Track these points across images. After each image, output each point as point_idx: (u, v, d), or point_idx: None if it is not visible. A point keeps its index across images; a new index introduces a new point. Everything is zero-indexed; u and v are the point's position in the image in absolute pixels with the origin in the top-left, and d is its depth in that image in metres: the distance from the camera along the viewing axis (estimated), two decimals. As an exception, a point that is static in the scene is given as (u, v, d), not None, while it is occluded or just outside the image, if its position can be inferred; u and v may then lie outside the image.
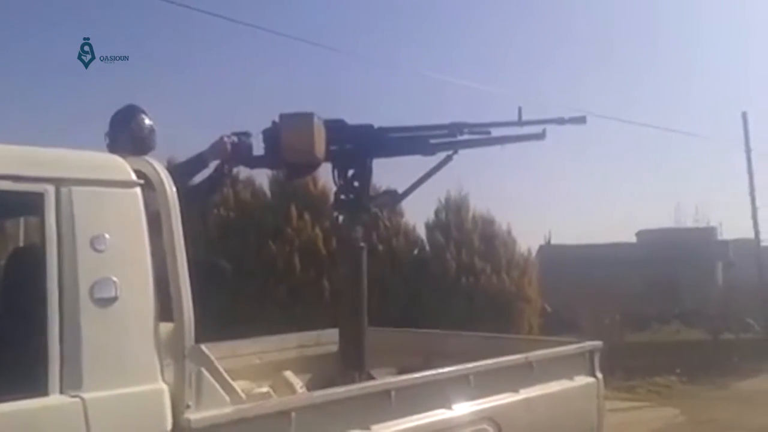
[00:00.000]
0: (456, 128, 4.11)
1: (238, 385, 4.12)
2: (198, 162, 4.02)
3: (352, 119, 4.15)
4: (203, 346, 2.57)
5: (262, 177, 10.88)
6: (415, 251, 11.18)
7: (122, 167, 2.53)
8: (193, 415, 2.46)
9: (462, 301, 10.36)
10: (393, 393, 3.09)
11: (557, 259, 19.98)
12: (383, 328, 5.35)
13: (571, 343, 4.27)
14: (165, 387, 2.44)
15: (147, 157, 2.71)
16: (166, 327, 2.54)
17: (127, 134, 4.08)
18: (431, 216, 11.38)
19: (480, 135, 4.15)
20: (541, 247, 21.55)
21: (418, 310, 10.09)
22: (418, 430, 3.16)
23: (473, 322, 9.02)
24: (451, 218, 11.27)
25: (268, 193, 11.05)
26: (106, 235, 2.38)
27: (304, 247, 10.35)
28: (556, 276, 19.17)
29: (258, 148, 4.07)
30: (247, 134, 4.04)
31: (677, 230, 22.02)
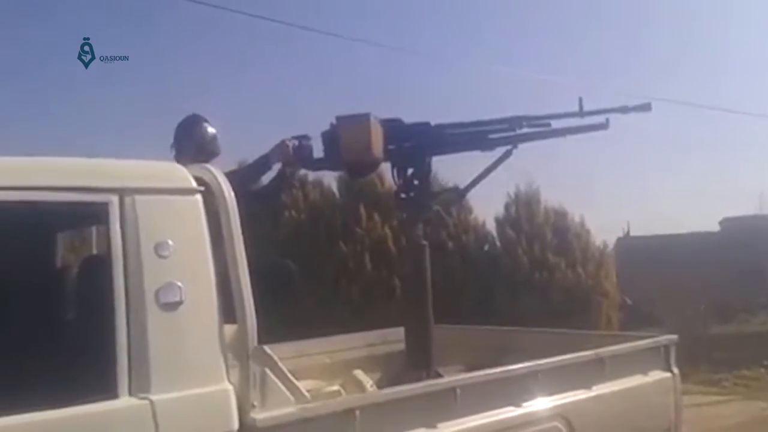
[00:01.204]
0: (515, 122, 4.04)
1: (308, 384, 4.22)
2: (262, 165, 4.09)
3: (416, 117, 4.16)
4: (266, 347, 2.61)
5: (330, 178, 11.02)
6: (486, 247, 11.10)
7: (183, 175, 2.60)
8: (259, 415, 2.51)
9: (536, 296, 10.22)
10: (458, 391, 3.08)
11: (637, 251, 19.47)
12: (452, 326, 5.33)
13: (645, 337, 4.14)
14: (230, 387, 2.49)
15: (206, 165, 2.77)
16: (230, 329, 2.60)
17: (191, 142, 4.20)
18: (501, 211, 11.28)
19: (540, 128, 4.07)
20: (619, 239, 21.04)
21: (490, 307, 10.01)
22: (486, 428, 3.13)
23: (548, 318, 8.89)
24: (522, 212, 11.13)
25: (337, 193, 11.17)
26: (170, 242, 2.45)
27: (374, 246, 10.42)
28: (636, 268, 18.70)
29: (318, 151, 4.12)
30: (306, 137, 4.09)
31: (763, 217, 21.06)
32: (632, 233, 22.35)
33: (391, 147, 4.04)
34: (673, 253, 18.15)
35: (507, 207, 11.26)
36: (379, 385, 4.18)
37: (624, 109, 4.05)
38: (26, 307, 2.23)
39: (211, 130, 4.26)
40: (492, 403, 3.19)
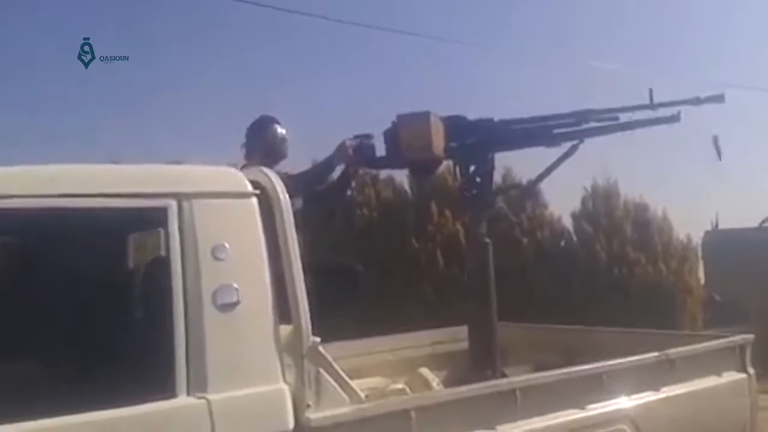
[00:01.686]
0: (581, 116, 3.96)
1: (372, 382, 4.26)
2: (325, 166, 4.14)
3: (484, 113, 4.12)
4: (321, 347, 2.65)
5: (402, 176, 11.02)
6: (562, 243, 10.87)
7: (238, 179, 2.66)
8: (314, 415, 2.54)
9: (615, 293, 9.93)
10: (518, 392, 3.04)
11: (727, 245, 18.66)
12: (522, 324, 5.27)
13: (719, 337, 3.98)
14: (286, 387, 2.54)
15: (263, 168, 2.83)
16: (285, 329, 2.65)
17: (260, 144, 4.29)
18: (577, 206, 11.02)
19: (607, 122, 3.96)
20: (707, 233, 20.20)
21: (566, 305, 9.79)
22: (549, 430, 3.08)
23: (628, 316, 8.63)
24: (600, 207, 10.83)
25: (409, 191, 11.17)
26: (226, 245, 2.52)
27: (446, 243, 10.36)
28: (725, 263, 17.94)
29: (381, 149, 4.14)
30: (368, 136, 4.11)
31: None
32: (722, 226, 21.41)
33: (453, 144, 4.02)
34: (765, 247, 17.33)
35: (584, 201, 10.98)
36: (446, 383, 4.18)
37: (696, 101, 3.90)
38: (91, 308, 2.33)
39: (281, 131, 4.34)
40: (553, 406, 3.13)
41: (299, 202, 4.36)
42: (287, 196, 2.72)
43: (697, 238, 13.75)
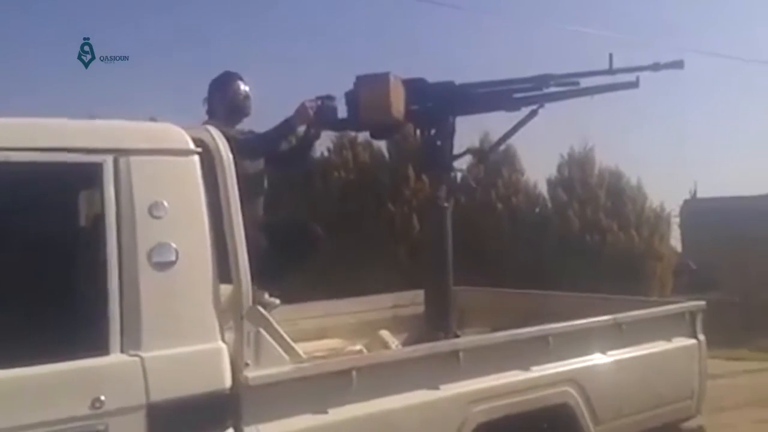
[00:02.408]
0: (541, 81, 3.93)
1: (331, 344, 4.28)
2: (284, 127, 4.09)
3: (443, 74, 4.07)
4: (261, 308, 2.65)
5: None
6: (537, 209, 10.91)
7: (180, 136, 2.63)
8: (252, 373, 2.55)
9: (587, 260, 10.00)
10: (461, 353, 3.07)
11: (704, 214, 18.83)
12: (483, 288, 5.31)
13: (668, 303, 4.03)
14: (223, 346, 2.54)
15: (207, 126, 2.79)
16: (226, 289, 2.64)
17: (223, 100, 4.23)
18: (553, 173, 11.04)
19: (568, 87, 3.94)
20: (686, 202, 20.38)
21: (540, 270, 9.88)
22: (491, 390, 3.12)
23: (599, 282, 8.71)
24: (575, 174, 10.86)
25: (386, 154, 11.14)
26: (165, 203, 2.49)
27: (422, 207, 10.36)
28: (703, 231, 18.10)
29: (343, 111, 4.10)
30: (330, 97, 4.06)
31: (841, 178, 19.92)
32: (701, 195, 21.58)
33: (413, 107, 3.99)
34: (743, 216, 17.48)
35: (560, 168, 11.01)
36: (405, 345, 4.20)
37: (656, 67, 3.88)
38: (24, 264, 2.31)
39: (244, 88, 4.26)
40: (497, 366, 3.17)
41: (261, 162, 4.33)
42: (230, 154, 2.69)
43: (671, 207, 13.88)
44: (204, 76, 4.22)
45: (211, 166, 2.68)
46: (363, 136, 10.67)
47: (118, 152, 2.45)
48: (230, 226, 2.62)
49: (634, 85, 3.89)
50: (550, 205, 10.87)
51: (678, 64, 3.87)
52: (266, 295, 4.28)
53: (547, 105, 4.01)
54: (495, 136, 10.85)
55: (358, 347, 4.02)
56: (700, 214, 19.06)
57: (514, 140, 11.26)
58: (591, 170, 10.91)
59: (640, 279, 10.02)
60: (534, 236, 10.40)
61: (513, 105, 3.99)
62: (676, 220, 19.05)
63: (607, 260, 10.05)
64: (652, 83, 3.98)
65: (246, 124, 4.37)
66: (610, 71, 3.86)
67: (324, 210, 10.60)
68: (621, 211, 10.51)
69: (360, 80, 3.80)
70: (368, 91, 3.77)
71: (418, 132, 4.12)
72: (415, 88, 3.96)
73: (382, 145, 11.09)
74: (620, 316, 3.63)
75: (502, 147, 11.07)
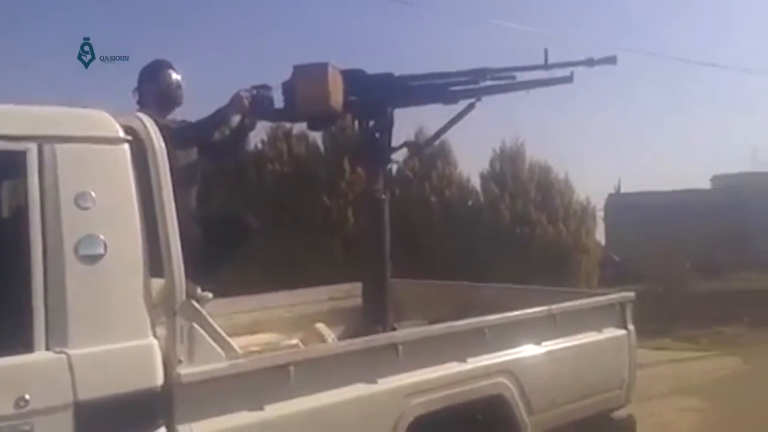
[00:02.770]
0: (478, 74, 3.95)
1: (266, 338, 4.21)
2: (218, 117, 3.98)
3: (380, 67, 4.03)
4: (195, 302, 2.57)
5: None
6: (470, 202, 11.03)
7: (109, 123, 2.51)
8: (185, 370, 2.47)
9: (517, 252, 10.18)
10: (400, 347, 3.05)
11: (627, 208, 19.45)
12: (418, 281, 5.32)
13: (599, 294, 4.12)
14: (155, 342, 2.45)
15: (138, 114, 2.68)
16: (158, 283, 2.55)
17: (153, 88, 4.09)
18: (486, 166, 11.18)
19: (504, 80, 3.97)
20: (610, 196, 20.99)
21: (471, 262, 9.99)
22: (429, 383, 3.11)
23: (528, 274, 8.87)
24: (507, 168, 11.03)
25: (322, 146, 11.06)
26: (92, 193, 2.38)
27: (357, 200, 10.34)
28: (626, 225, 18.70)
29: (280, 102, 4.02)
30: (266, 87, 3.97)
31: (755, 174, 20.92)
32: (625, 190, 22.29)
33: (352, 98, 3.95)
34: (664, 211, 18.14)
35: (492, 162, 11.16)
36: (342, 338, 4.17)
37: (590, 62, 3.96)
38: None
39: (175, 77, 4.13)
40: (435, 359, 3.17)
41: (194, 152, 4.21)
42: (163, 143, 2.60)
43: (596, 201, 14.27)
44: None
45: (142, 155, 2.58)
46: (298, 127, 10.60)
47: (43, 139, 2.33)
48: (162, 218, 2.53)
49: (568, 80, 3.95)
50: (482, 198, 11.01)
51: (611, 60, 3.95)
52: (199, 290, 4.18)
53: (482, 99, 4.04)
54: (430, 131, 11.00)
55: (294, 341, 3.97)
56: (623, 208, 19.70)
57: (448, 134, 11.35)
58: (522, 164, 11.10)
59: (567, 271, 10.26)
60: (466, 229, 10.52)
61: (450, 98, 4.00)
62: (600, 214, 19.65)
63: (537, 252, 10.25)
64: (583, 81, 4.06)
65: (178, 114, 4.26)
66: (546, 66, 3.91)
67: (258, 203, 10.46)
68: (550, 204, 10.73)
69: (297, 70, 3.74)
70: (306, 81, 3.71)
71: (356, 123, 4.08)
72: (353, 78, 3.92)
73: (317, 137, 11.01)
74: (554, 307, 3.68)
75: (437, 141, 11.28)
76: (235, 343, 3.87)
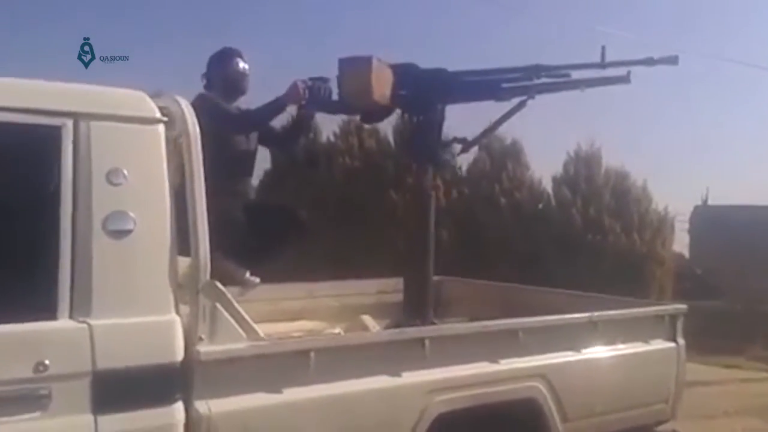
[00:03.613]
0: (532, 71, 3.86)
1: (309, 325, 4.25)
2: (275, 106, 4.04)
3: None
4: (218, 283, 2.61)
5: (387, 126, 10.90)
6: (540, 205, 10.82)
7: (145, 104, 2.58)
8: (204, 348, 2.52)
9: (587, 259, 9.92)
10: (427, 341, 3.02)
11: (713, 221, 18.65)
12: (467, 279, 5.27)
13: (648, 304, 3.96)
14: (177, 318, 2.50)
15: (176, 96, 2.74)
16: (185, 262, 2.61)
17: (221, 75, 4.19)
18: (559, 170, 10.94)
19: (558, 78, 3.87)
20: (696, 207, 20.20)
21: (539, 266, 9.80)
22: (455, 381, 3.07)
23: (598, 283, 8.63)
24: (581, 172, 10.76)
25: (392, 142, 11.07)
26: (124, 170, 2.46)
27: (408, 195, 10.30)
28: (710, 238, 17.94)
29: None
30: (323, 79, 4.00)
31: None
32: (713, 202, 21.38)
33: (402, 92, 3.93)
34: (751, 226, 17.29)
35: (566, 166, 10.90)
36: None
37: (649, 62, 3.81)
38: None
39: (243, 65, 4.22)
40: (463, 357, 3.11)
41: (253, 140, 4.30)
42: (198, 128, 2.65)
43: (680, 212, 13.73)
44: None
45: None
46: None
47: (79, 116, 2.41)
48: (192, 200, 2.58)
49: (625, 79, 3.82)
50: (553, 202, 10.78)
51: (672, 60, 3.79)
52: (247, 274, 4.27)
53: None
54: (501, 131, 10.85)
55: (336, 330, 3.99)
56: (710, 220, 18.89)
57: (521, 135, 11.12)
58: (597, 169, 10.80)
59: (640, 282, 9.92)
60: (535, 232, 10.33)
61: (502, 95, 3.93)
62: (685, 226, 18.92)
63: (608, 261, 9.96)
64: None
65: (242, 103, 4.35)
66: (602, 64, 3.79)
67: (327, 195, 10.59)
68: (625, 212, 10.40)
69: (342, 63, 3.75)
70: (349, 74, 3.71)
71: (405, 118, 4.06)
72: (404, 72, 3.91)
73: (388, 131, 11.04)
74: (596, 314, 3.57)
75: (508, 141, 11.12)
76: (279, 328, 3.96)
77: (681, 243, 17.63)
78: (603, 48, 3.75)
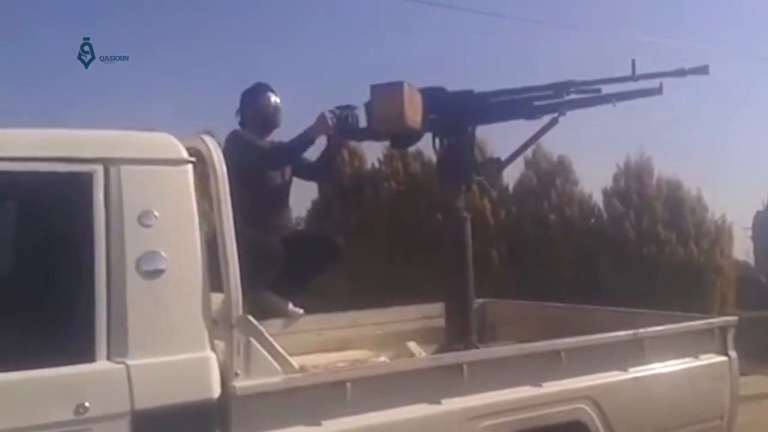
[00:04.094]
0: (561, 88, 3.83)
1: (355, 354, 4.25)
2: (304, 138, 4.11)
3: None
4: (251, 317, 2.64)
5: (431, 149, 10.90)
6: (592, 220, 10.64)
7: (173, 146, 2.65)
8: (240, 383, 2.55)
9: (643, 273, 9.68)
10: (465, 367, 2.99)
11: (778, 225, 18.03)
12: (513, 301, 5.21)
13: (697, 318, 3.84)
14: (212, 355, 2.54)
15: (203, 136, 2.81)
16: (218, 298, 2.65)
17: (254, 111, 4.30)
18: (609, 183, 10.75)
19: (588, 94, 3.83)
20: (758, 213, 19.57)
21: (594, 283, 9.62)
22: (497, 406, 3.02)
23: (656, 296, 8.42)
24: (632, 184, 10.55)
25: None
26: (155, 211, 2.52)
27: (471, 217, 10.24)
28: (777, 244, 17.30)
29: (364, 121, 4.08)
30: (350, 107, 4.06)
31: None
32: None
33: (432, 116, 3.95)
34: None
35: (616, 178, 10.71)
36: (431, 357, 4.13)
37: (680, 73, 3.74)
38: (14, 271, 2.37)
39: (274, 100, 4.32)
40: (504, 381, 3.07)
41: (287, 173, 4.37)
42: (225, 165, 2.71)
43: (741, 219, 13.30)
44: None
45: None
46: (414, 147, 10.70)
47: (109, 161, 2.49)
48: (222, 236, 2.63)
49: (657, 91, 3.75)
50: (605, 216, 10.58)
51: (703, 70, 3.72)
52: (290, 305, 4.31)
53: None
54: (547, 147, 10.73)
55: (382, 358, 3.98)
56: (774, 226, 18.27)
57: (568, 150, 10.95)
58: (649, 180, 10.58)
59: (699, 293, 9.64)
60: (589, 248, 10.15)
61: (532, 113, 3.91)
62: (747, 233, 18.32)
63: (666, 273, 9.72)
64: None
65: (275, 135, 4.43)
66: (633, 77, 3.73)
67: (375, 221, 10.63)
68: (680, 222, 10.15)
69: (374, 89, 3.78)
70: (381, 100, 3.74)
71: (436, 141, 4.07)
72: (433, 96, 3.92)
73: (431, 155, 11.03)
74: (641, 331, 3.48)
75: (555, 157, 10.98)
76: (323, 358, 3.97)
77: (747, 251, 17.09)
78: (633, 61, 3.70)
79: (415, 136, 4.07)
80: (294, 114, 4.68)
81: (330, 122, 4.00)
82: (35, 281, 2.35)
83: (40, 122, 2.68)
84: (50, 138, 2.49)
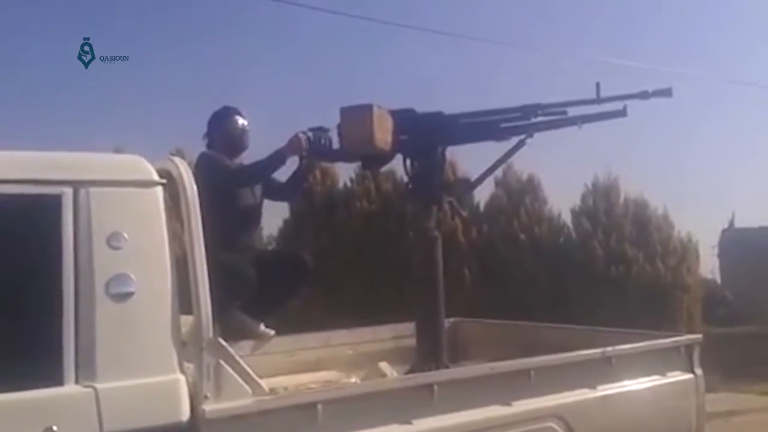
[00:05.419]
0: (529, 110, 3.90)
1: (326, 376, 4.24)
2: (275, 159, 4.12)
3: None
4: (221, 339, 2.63)
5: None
6: (561, 239, 10.78)
7: (143, 168, 2.65)
8: (210, 406, 2.53)
9: (611, 291, 9.84)
10: (435, 387, 3.00)
11: (742, 244, 18.39)
12: (483, 320, 5.24)
13: (664, 336, 3.91)
14: (182, 378, 2.53)
15: (173, 157, 2.81)
16: (188, 320, 2.64)
17: (222, 134, 4.30)
18: (578, 202, 10.92)
19: (555, 116, 3.91)
20: (724, 231, 19.93)
21: (563, 301, 9.72)
22: (467, 426, 3.04)
23: (624, 315, 8.53)
24: (600, 203, 10.73)
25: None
26: (124, 234, 2.51)
27: (443, 237, 10.29)
28: (740, 261, 17.64)
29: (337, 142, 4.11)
30: (323, 129, 4.09)
31: None
32: (740, 225, 21.07)
33: (403, 138, 3.99)
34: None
35: (584, 198, 10.89)
36: (403, 377, 4.14)
37: (644, 95, 3.83)
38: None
39: (242, 122, 4.33)
40: (474, 401, 3.09)
41: (257, 193, 4.37)
42: (195, 186, 2.71)
43: (706, 237, 13.53)
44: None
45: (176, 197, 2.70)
46: (387, 166, 10.77)
47: (78, 183, 2.48)
48: (192, 258, 2.62)
49: (621, 113, 3.84)
50: (574, 235, 10.74)
51: (666, 92, 3.82)
52: (262, 326, 4.30)
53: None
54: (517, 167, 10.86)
55: (354, 379, 3.98)
56: (739, 243, 18.64)
57: (537, 170, 11.12)
58: (616, 199, 10.77)
59: (667, 310, 9.80)
60: (558, 267, 10.27)
61: (501, 135, 3.97)
62: (714, 250, 18.62)
63: (633, 292, 9.88)
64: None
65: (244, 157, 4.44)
66: (598, 100, 3.82)
67: (345, 240, 10.64)
68: (647, 240, 10.34)
69: (343, 112, 3.82)
70: (351, 122, 3.78)
71: (407, 162, 4.11)
72: (403, 118, 3.97)
73: (403, 174, 11.09)
74: (609, 349, 3.53)
75: (524, 176, 11.12)
76: (295, 380, 3.96)
77: (713, 269, 17.37)
78: (598, 84, 3.79)
79: (385, 157, 4.11)
80: (265, 136, 4.71)
81: (303, 143, 4.02)
82: (2, 304, 2.31)
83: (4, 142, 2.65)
84: (19, 160, 2.47)
